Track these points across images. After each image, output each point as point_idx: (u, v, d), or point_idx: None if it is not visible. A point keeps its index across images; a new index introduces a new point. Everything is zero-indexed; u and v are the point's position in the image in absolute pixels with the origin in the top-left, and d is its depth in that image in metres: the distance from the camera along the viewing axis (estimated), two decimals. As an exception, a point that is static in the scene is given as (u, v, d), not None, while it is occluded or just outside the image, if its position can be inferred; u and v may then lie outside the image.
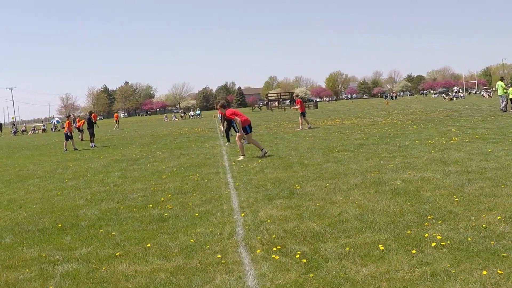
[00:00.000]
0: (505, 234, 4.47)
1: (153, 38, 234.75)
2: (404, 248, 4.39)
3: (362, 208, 6.02)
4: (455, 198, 6.01)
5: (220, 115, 17.16)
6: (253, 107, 74.01)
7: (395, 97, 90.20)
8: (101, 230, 6.17)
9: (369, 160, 9.82)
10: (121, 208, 7.39)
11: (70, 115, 24.00)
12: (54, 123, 61.82)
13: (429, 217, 5.32)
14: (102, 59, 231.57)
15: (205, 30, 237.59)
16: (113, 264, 4.77)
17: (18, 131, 55.49)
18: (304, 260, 4.32)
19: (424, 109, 32.13)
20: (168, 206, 7.22)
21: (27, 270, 4.79)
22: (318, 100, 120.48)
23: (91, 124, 21.49)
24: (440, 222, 5.08)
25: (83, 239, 5.82)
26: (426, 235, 4.69)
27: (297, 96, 23.68)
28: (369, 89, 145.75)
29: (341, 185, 7.46)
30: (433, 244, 4.38)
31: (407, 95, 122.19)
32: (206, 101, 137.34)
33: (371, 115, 28.49)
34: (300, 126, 21.05)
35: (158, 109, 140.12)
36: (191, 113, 64.81)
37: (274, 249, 4.71)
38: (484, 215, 5.15)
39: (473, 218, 5.10)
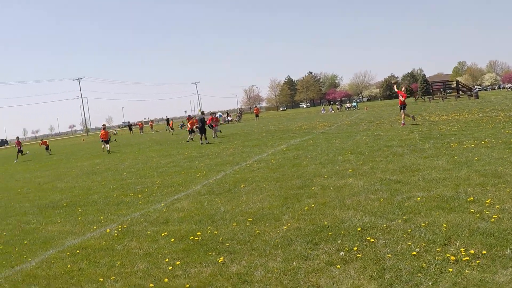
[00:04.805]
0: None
1: (337, 27, 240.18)
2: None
3: (228, 207, 8.34)
4: (314, 205, 7.64)
5: None
6: (416, 98, 72.61)
7: None
8: (78, 208, 9.93)
9: (355, 163, 11.46)
10: (115, 195, 11.07)
11: (190, 116, 29.24)
12: (217, 117, 70.04)
13: (248, 218, 7.46)
14: (287, 50, 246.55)
15: (390, 16, 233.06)
16: (47, 226, 8.52)
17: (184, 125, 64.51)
18: (116, 235, 7.24)
19: None
20: (139, 195, 10.60)
21: (9, 226, 9.04)
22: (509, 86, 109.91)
23: (203, 122, 26.00)
24: (226, 222, 7.18)
25: (61, 212, 9.74)
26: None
27: (403, 87, 24.39)
28: None
29: (272, 188, 9.62)
30: (168, 235, 6.85)
31: None
32: (390, 89, 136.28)
33: (501, 110, 26.99)
34: (403, 121, 22.00)
35: (344, 98, 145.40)
36: (347, 105, 66.63)
37: (120, 227, 7.73)
38: (281, 225, 6.86)
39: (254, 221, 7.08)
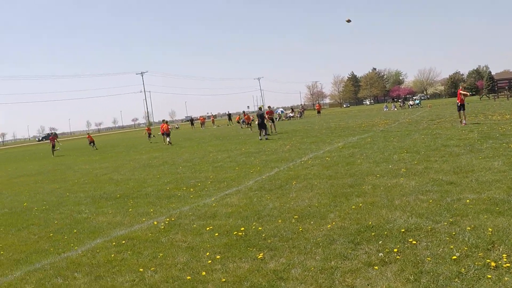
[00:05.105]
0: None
1: (402, 24, 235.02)
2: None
3: (277, 204, 8.48)
4: (362, 204, 7.67)
5: None
6: (481, 96, 69.62)
7: None
8: (130, 200, 10.41)
9: (409, 163, 11.22)
10: (168, 188, 11.49)
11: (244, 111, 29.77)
12: (279, 113, 70.35)
13: (294, 215, 7.59)
14: (351, 46, 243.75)
15: (455, 12, 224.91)
16: (98, 216, 8.99)
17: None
18: (163, 227, 7.55)
19: None
20: (191, 189, 10.95)
21: (62, 215, 9.65)
22: None
23: (262, 118, 26.20)
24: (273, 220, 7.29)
25: (113, 204, 10.27)
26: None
27: (461, 86, 23.99)
28: None
29: (323, 186, 9.62)
30: (213, 229, 7.02)
31: None
32: (454, 87, 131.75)
33: None
34: (464, 120, 21.51)
35: (408, 96, 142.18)
36: (410, 102, 64.86)
37: (167, 220, 8.04)
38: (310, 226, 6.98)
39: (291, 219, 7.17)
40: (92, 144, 37.46)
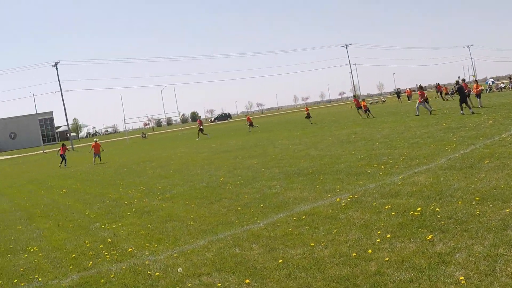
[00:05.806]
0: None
1: None
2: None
3: (462, 184, 8.32)
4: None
5: None
6: None
7: None
8: (320, 176, 11.22)
9: None
10: (359, 165, 12.04)
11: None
12: (489, 83, 64.47)
13: (476, 197, 7.38)
14: None
15: None
16: (286, 191, 9.93)
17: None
18: (344, 204, 8.14)
19: None
20: (382, 167, 11.26)
21: (253, 189, 10.75)
22: None
23: (462, 91, 24.56)
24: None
25: (304, 179, 11.08)
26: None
27: None
28: None
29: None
30: (391, 208, 7.18)
31: None
32: None
33: None
34: None
35: None
36: None
37: (351, 197, 8.58)
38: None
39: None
40: (250, 125, 38.85)
